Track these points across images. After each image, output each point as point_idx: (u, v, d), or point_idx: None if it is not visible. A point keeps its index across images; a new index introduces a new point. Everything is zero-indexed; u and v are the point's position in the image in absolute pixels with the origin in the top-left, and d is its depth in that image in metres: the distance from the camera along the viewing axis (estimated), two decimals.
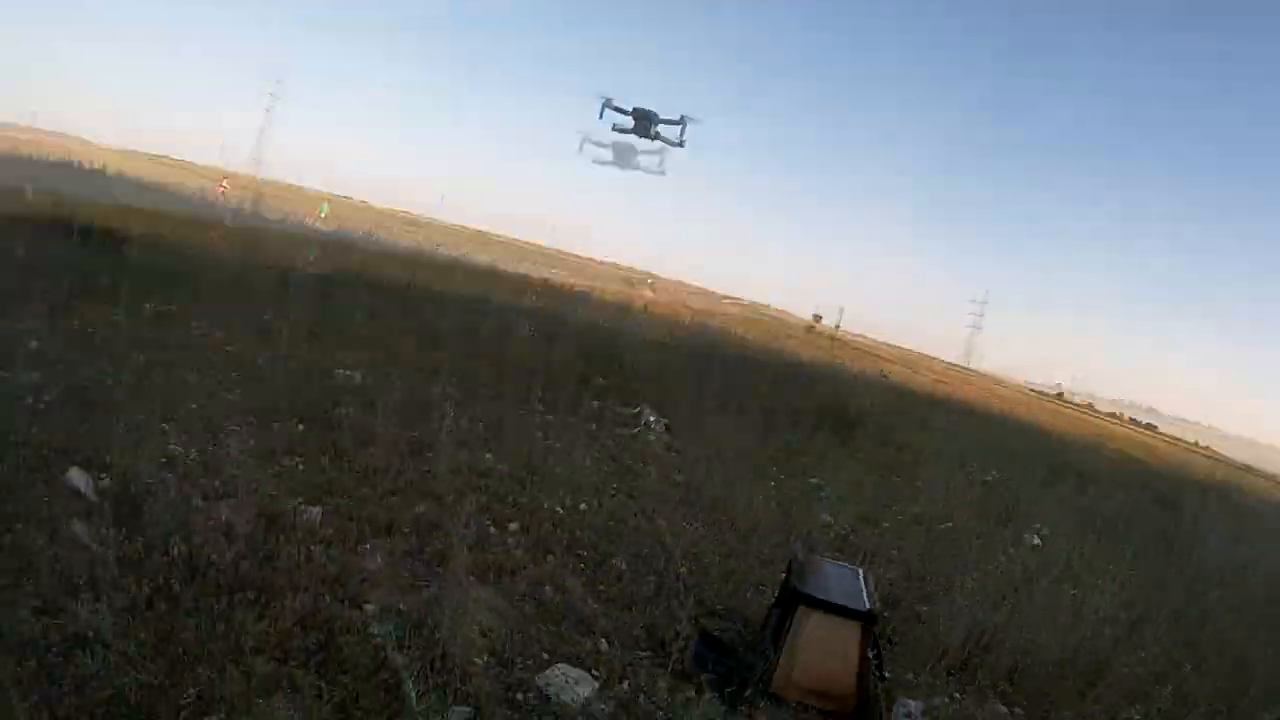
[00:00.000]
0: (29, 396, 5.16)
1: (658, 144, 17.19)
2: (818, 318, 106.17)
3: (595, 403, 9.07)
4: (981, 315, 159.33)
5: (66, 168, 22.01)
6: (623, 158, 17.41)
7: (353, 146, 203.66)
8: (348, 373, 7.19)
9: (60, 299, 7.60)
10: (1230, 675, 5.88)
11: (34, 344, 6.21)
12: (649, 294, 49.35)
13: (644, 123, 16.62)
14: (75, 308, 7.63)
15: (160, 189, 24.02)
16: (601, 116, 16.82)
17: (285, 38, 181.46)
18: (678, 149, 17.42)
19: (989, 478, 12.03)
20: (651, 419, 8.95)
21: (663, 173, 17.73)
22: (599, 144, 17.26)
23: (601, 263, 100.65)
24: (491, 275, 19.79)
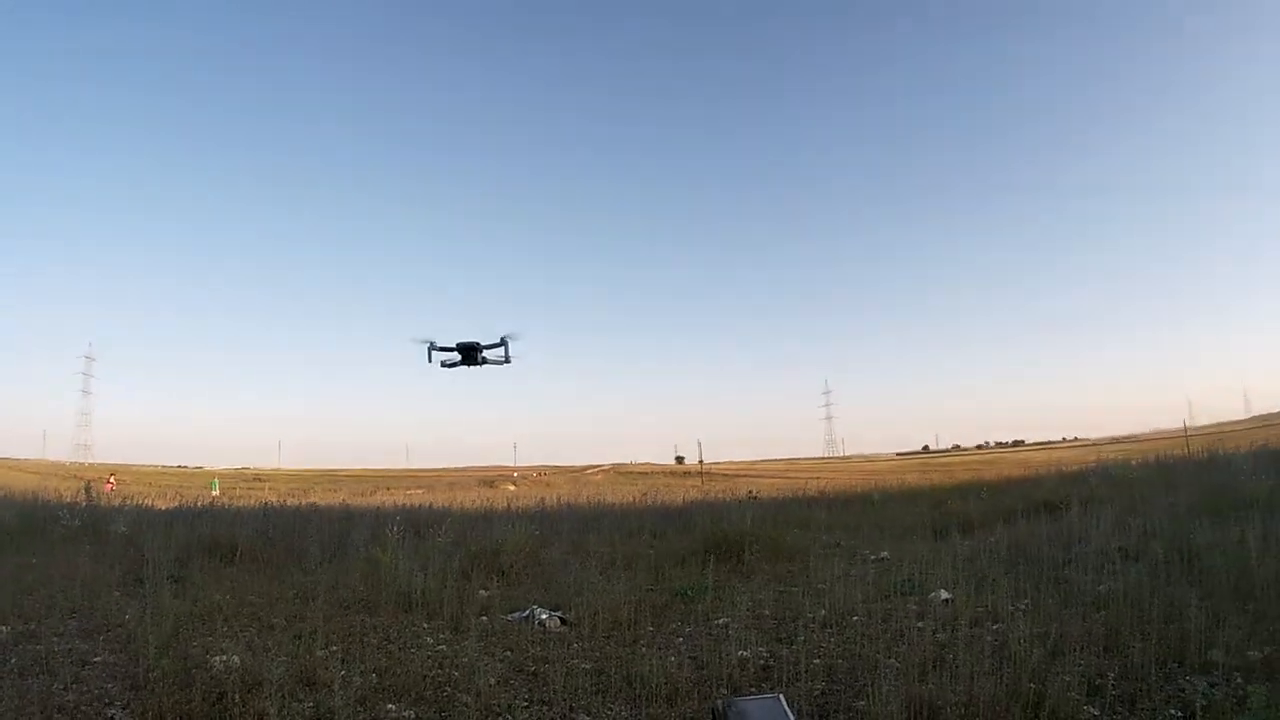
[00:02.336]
0: None
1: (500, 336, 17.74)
2: (680, 459, 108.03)
3: (483, 617, 8.76)
4: (830, 404, 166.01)
5: None
6: (469, 355, 17.40)
7: (173, 413, 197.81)
8: (224, 658, 6.71)
9: None
10: (1161, 641, 6.32)
11: None
12: (511, 488, 48.98)
13: (470, 354, 17.08)
14: None
15: None
16: (430, 360, 17.06)
17: (88, 311, 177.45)
18: (506, 364, 17.65)
19: (882, 556, 12.25)
20: (544, 615, 8.69)
21: (509, 361, 17.53)
22: (445, 348, 17.24)
23: (459, 470, 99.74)
24: (346, 515, 19.14)
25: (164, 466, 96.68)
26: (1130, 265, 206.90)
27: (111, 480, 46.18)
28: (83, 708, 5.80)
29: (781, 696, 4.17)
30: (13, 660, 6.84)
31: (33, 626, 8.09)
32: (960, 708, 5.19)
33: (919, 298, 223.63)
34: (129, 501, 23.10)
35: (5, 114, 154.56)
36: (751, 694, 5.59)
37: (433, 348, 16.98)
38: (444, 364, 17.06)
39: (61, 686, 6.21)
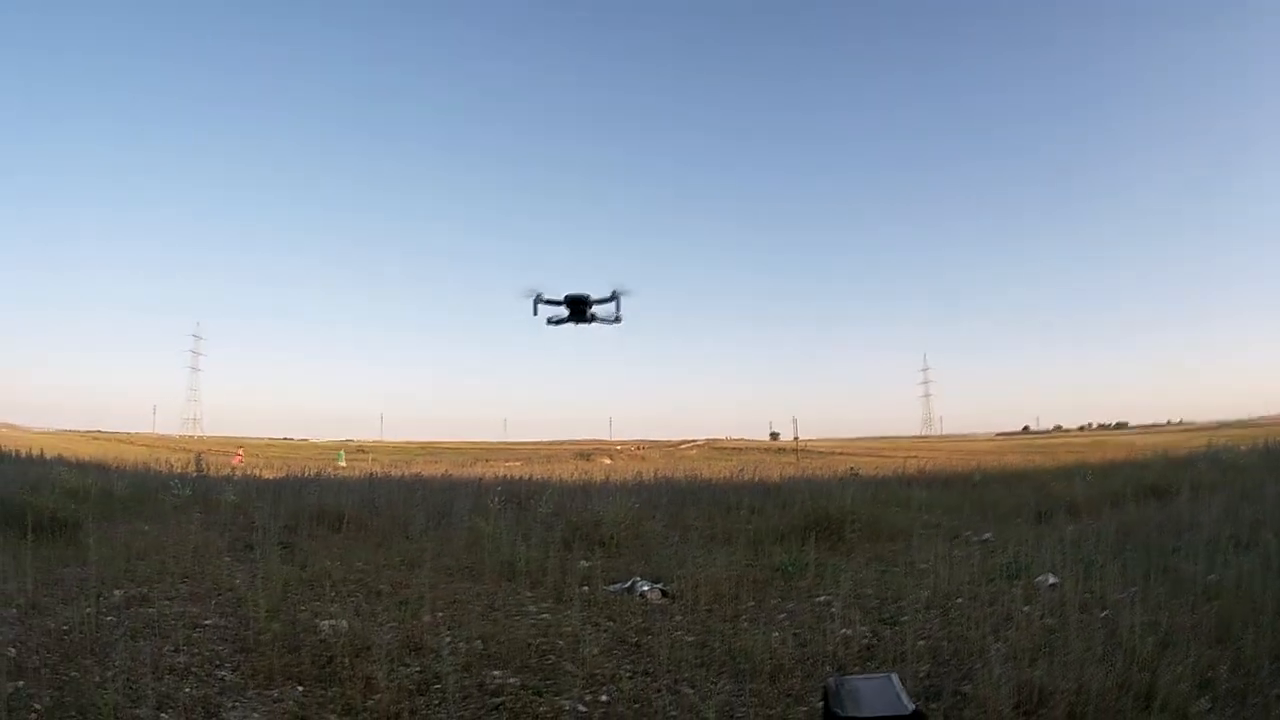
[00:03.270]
0: (17, 708, 4.90)
1: (611, 291, 16.17)
2: (775, 435, 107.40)
3: (584, 588, 8.91)
4: (929, 381, 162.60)
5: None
6: (578, 311, 15.88)
7: (277, 386, 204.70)
8: (332, 622, 6.97)
9: (26, 599, 7.46)
10: (1274, 635, 6.09)
11: (11, 651, 5.94)
12: (607, 461, 49.45)
13: (579, 308, 15.67)
14: (43, 605, 7.42)
15: (104, 467, 23.87)
16: (535, 313, 15.68)
17: (195, 286, 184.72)
18: (615, 323, 16.14)
19: (985, 538, 12.05)
20: (645, 587, 8.81)
21: (619, 320, 16.09)
22: (553, 301, 15.65)
23: (555, 443, 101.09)
24: (449, 486, 19.61)
25: (270, 439, 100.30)
26: (1243, 246, 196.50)
27: (240, 454, 48.28)
28: (193, 669, 5.95)
29: (894, 676, 4.17)
30: (125, 623, 7.03)
31: (145, 590, 8.37)
32: (1070, 695, 5.11)
33: (1021, 278, 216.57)
34: (237, 472, 24.11)
35: (113, 88, 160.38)
36: (858, 673, 5.61)
37: (539, 300, 15.59)
38: (550, 320, 15.79)
39: (172, 649, 6.39)
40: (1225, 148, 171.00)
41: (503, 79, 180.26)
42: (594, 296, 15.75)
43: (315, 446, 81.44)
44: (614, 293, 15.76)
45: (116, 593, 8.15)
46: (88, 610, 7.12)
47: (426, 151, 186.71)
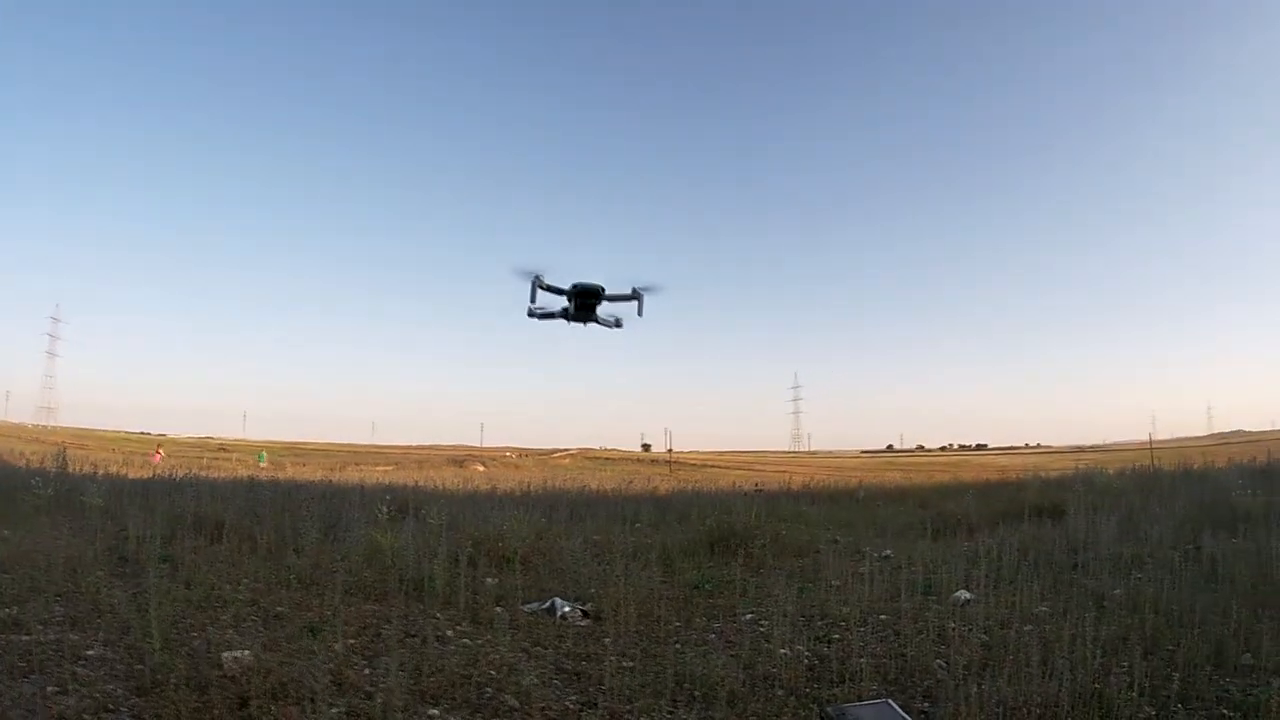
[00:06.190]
0: None
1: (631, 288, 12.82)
2: (646, 446, 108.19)
3: (499, 608, 8.50)
4: (799, 399, 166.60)
5: None
6: (584, 306, 12.58)
7: (135, 378, 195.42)
8: (236, 654, 6.31)
9: None
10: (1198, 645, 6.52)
11: None
12: (480, 469, 48.65)
13: (586, 301, 12.50)
14: None
15: None
16: (534, 300, 12.41)
17: (55, 272, 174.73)
18: (616, 329, 13.13)
19: (886, 554, 12.21)
20: (566, 608, 8.46)
21: (619, 325, 12.95)
22: (555, 289, 12.43)
23: (425, 448, 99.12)
24: (332, 493, 18.70)
25: (126, 433, 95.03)
26: (1094, 274, 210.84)
27: (160, 452, 44.93)
28: (85, 716, 5.23)
29: (891, 701, 4.08)
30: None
31: (15, 612, 7.36)
32: (1038, 709, 5.15)
33: (878, 297, 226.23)
34: (99, 470, 22.54)
35: None
36: (849, 700, 5.47)
37: (538, 284, 12.31)
38: (535, 313, 12.59)
39: (56, 688, 5.60)
40: (1103, 175, 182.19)
41: None
42: (609, 291, 12.67)
43: (175, 442, 77.77)
44: (634, 290, 12.59)
45: None
46: None
47: (271, 141, 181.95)
